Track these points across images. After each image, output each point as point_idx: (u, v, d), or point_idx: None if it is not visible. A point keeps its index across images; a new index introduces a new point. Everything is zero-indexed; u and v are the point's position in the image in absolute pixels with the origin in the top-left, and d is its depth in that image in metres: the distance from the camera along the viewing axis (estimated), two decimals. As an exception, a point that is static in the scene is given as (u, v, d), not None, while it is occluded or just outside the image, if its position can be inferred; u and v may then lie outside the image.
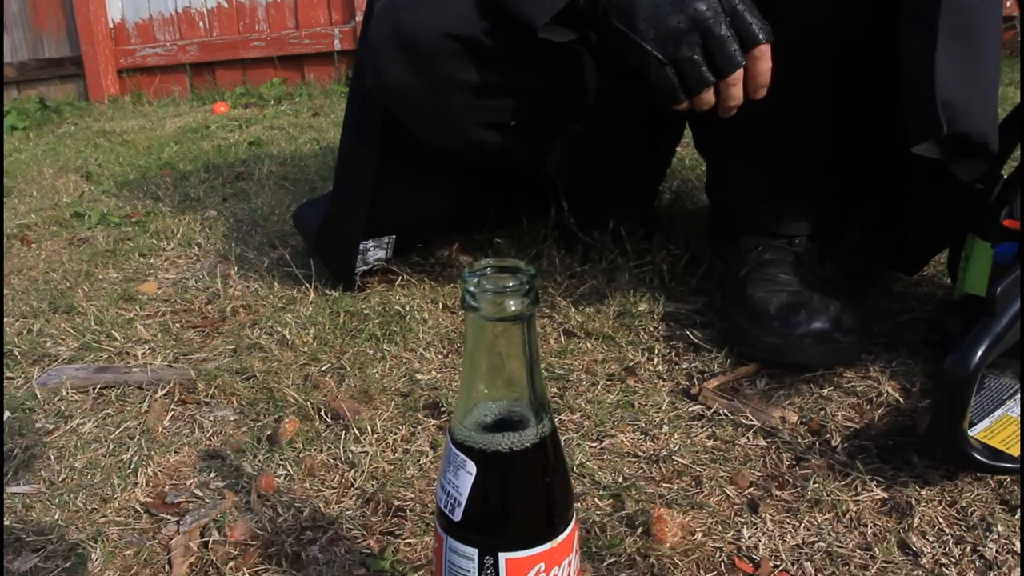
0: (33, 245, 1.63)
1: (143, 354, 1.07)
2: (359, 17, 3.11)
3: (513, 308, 0.39)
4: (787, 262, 0.95)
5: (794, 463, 0.76)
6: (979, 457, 0.67)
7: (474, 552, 0.42)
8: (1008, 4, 2.26)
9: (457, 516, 0.42)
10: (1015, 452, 0.68)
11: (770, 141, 0.95)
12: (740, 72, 0.80)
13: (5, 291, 1.37)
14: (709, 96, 0.82)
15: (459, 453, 0.42)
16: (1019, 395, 0.75)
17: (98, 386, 0.99)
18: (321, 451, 0.82)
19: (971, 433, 0.69)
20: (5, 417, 0.94)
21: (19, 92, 3.56)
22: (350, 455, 0.80)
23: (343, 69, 3.16)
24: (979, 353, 0.65)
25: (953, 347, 0.67)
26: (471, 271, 0.41)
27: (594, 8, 0.83)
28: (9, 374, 1.06)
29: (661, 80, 0.81)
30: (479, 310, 0.40)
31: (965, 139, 0.77)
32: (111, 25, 3.47)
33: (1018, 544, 0.64)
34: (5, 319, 1.24)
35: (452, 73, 0.90)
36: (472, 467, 0.42)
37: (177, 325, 1.16)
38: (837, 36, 0.89)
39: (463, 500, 0.42)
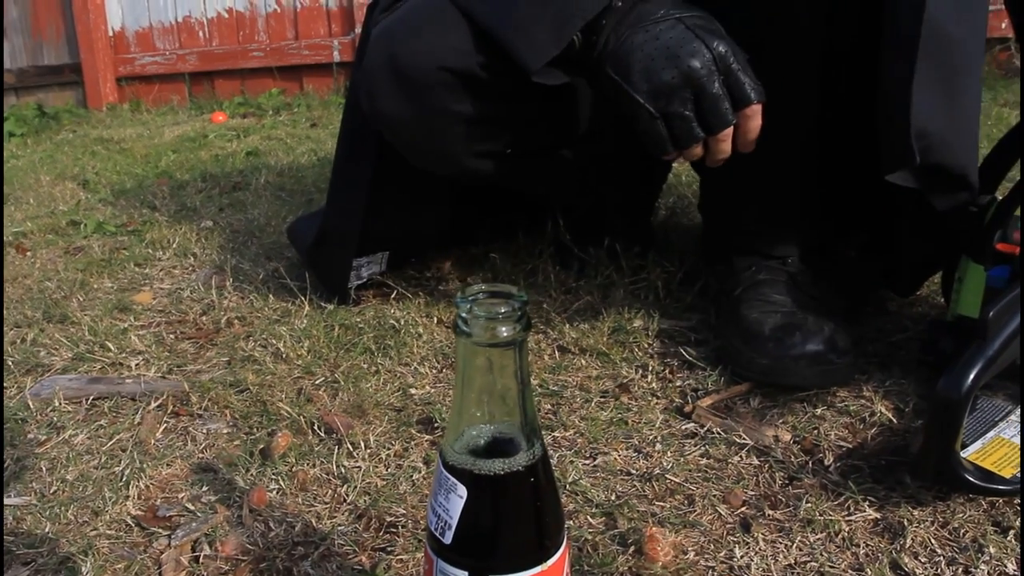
0: (28, 253, 1.63)
1: (137, 365, 1.07)
2: (358, 29, 3.12)
3: (505, 334, 0.39)
4: (781, 282, 0.96)
5: (787, 482, 0.76)
6: (971, 479, 0.67)
7: (464, 575, 0.42)
8: (1004, 26, 2.28)
9: (448, 539, 0.42)
10: (1007, 474, 0.68)
11: (761, 165, 0.95)
12: (730, 130, 0.81)
13: None
14: (698, 150, 0.83)
15: (450, 476, 0.42)
16: (1012, 416, 0.75)
17: (91, 397, 0.99)
18: (314, 465, 0.82)
19: (964, 454, 0.69)
20: (-3, 428, 0.93)
21: (17, 99, 3.56)
22: (343, 470, 0.80)
23: (342, 80, 3.17)
24: (972, 376, 0.65)
25: (946, 369, 0.67)
26: (463, 297, 0.41)
27: (589, 53, 0.83)
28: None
29: (651, 132, 0.82)
30: (471, 335, 0.40)
31: (942, 170, 0.78)
32: (111, 33, 3.48)
33: (1010, 566, 0.64)
34: (-1, 328, 1.24)
35: (447, 105, 0.90)
36: (463, 491, 0.42)
37: (171, 336, 1.16)
38: (827, 61, 0.89)
39: (453, 523, 0.42)
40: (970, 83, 0.79)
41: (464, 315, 0.40)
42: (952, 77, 0.76)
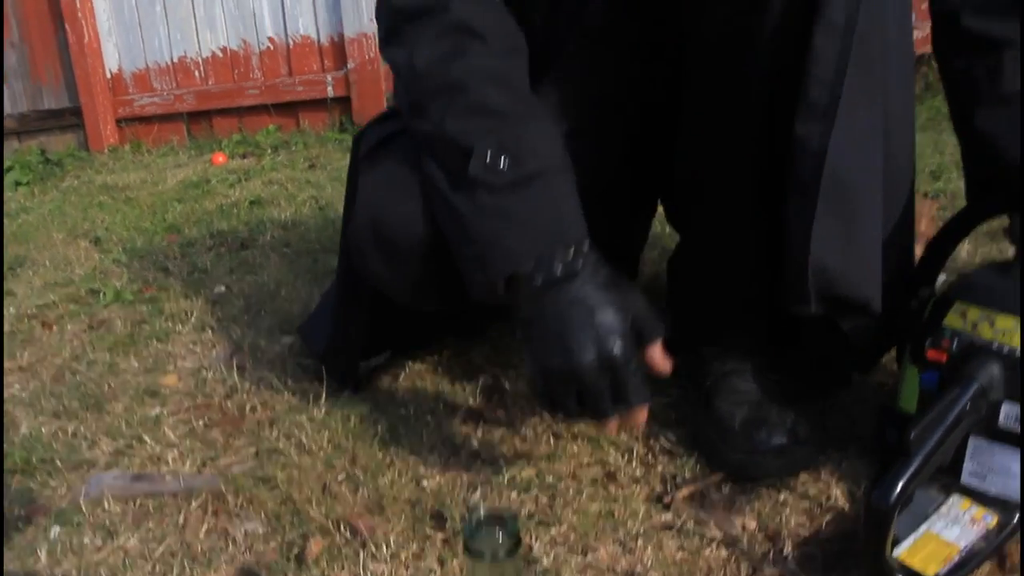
0: (54, 328, 1.74)
1: (173, 459, 1.19)
2: (351, 64, 3.22)
3: (503, 554, 0.51)
4: (747, 371, 1.07)
5: (751, 573, 0.88)
6: (901, 578, 0.79)
7: None
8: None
9: None
10: (931, 572, 0.80)
11: (721, 263, 1.05)
12: (610, 418, 0.89)
13: (34, 383, 1.48)
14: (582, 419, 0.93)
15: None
16: (943, 509, 0.87)
17: (137, 497, 1.11)
18: (343, 568, 0.94)
19: (896, 552, 0.81)
20: (55, 533, 1.05)
21: (20, 143, 3.65)
22: (369, 573, 0.92)
23: (336, 115, 3.27)
24: (898, 488, 0.77)
25: (878, 480, 0.79)
26: (469, 524, 0.53)
27: (514, 296, 0.90)
28: (52, 483, 1.17)
29: (538, 396, 0.92)
30: (481, 556, 0.52)
31: (844, 302, 0.89)
32: (108, 76, 3.57)
33: (935, 652, 0.76)
34: (40, 416, 1.36)
35: (426, 267, 1.00)
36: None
37: (200, 423, 1.28)
38: (773, 133, 0.93)
39: None
40: (870, 221, 0.89)
41: (470, 537, 0.52)
42: (853, 219, 0.86)
